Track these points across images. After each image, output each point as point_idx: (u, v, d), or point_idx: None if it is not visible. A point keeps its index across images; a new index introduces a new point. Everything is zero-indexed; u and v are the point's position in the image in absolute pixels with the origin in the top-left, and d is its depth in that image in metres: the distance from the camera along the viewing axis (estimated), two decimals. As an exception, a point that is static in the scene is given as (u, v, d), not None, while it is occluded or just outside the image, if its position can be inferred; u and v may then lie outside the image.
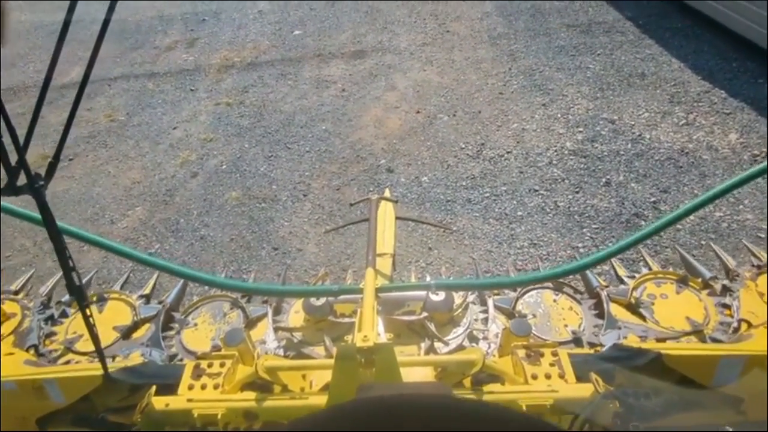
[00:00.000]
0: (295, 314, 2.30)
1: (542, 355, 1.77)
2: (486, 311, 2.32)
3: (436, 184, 4.28)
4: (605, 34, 6.13)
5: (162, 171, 4.84)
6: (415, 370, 1.64)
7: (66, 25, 1.06)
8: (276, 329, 2.30)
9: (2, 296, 2.45)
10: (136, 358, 2.17)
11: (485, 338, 2.26)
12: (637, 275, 2.17)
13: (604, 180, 4.08)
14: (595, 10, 6.71)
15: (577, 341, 2.13)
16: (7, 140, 1.15)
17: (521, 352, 1.79)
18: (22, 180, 1.20)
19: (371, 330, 1.54)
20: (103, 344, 2.25)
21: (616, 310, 2.07)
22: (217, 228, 4.08)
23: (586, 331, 2.19)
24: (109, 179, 4.79)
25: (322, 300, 2.19)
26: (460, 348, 2.15)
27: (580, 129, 4.68)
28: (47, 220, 1.31)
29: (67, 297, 2.54)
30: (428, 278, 2.81)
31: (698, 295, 2.01)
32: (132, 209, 4.37)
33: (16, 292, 2.56)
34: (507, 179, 4.23)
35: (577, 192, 4.01)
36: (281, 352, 2.24)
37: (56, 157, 1.31)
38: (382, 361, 1.48)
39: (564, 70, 5.56)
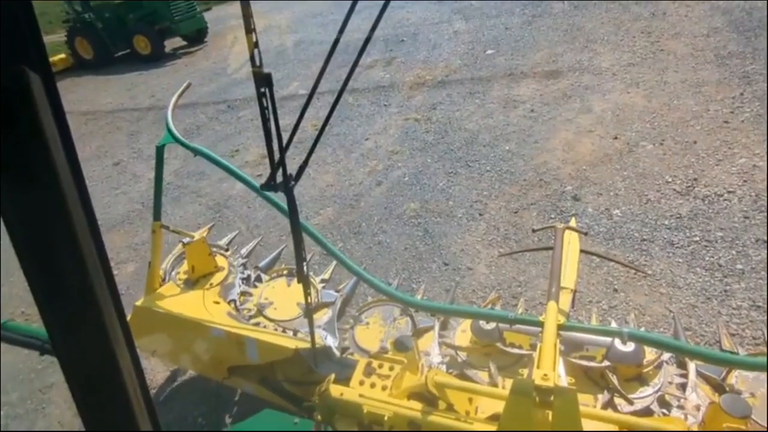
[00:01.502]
0: (461, 333, 2.27)
1: (766, 449, 1.42)
2: (685, 376, 1.96)
3: (631, 219, 3.81)
4: None
5: (352, 177, 5.31)
6: (596, 424, 1.46)
7: (335, 42, 1.31)
8: (442, 344, 2.30)
9: (214, 250, 2.85)
10: (317, 339, 2.40)
11: (681, 407, 1.92)
12: None
13: None
14: None
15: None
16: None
17: None
18: (279, 178, 1.52)
19: (552, 369, 1.42)
20: (288, 316, 2.58)
21: None
22: (394, 236, 4.29)
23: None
24: (308, 180, 5.45)
25: (492, 325, 2.12)
26: (649, 412, 1.86)
27: (842, 171, 3.68)
28: (293, 215, 1.59)
29: (262, 263, 2.98)
30: (613, 324, 2.50)
31: None
32: (324, 209, 4.88)
33: (226, 249, 3.03)
34: (726, 224, 3.54)
35: (830, 250, 3.15)
36: (444, 368, 2.23)
37: (306, 161, 1.57)
38: (561, 406, 1.35)
39: (822, 96, 4.45)
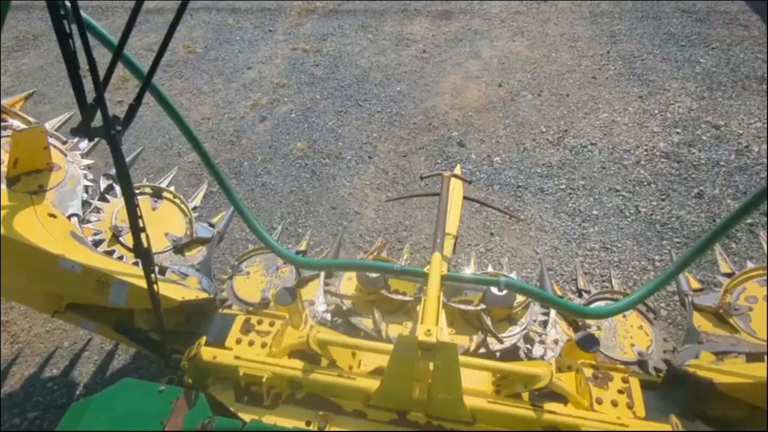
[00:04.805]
0: (347, 281, 2.22)
1: (611, 379, 1.60)
2: (546, 314, 2.15)
3: (509, 166, 4.02)
4: (725, 25, 5.45)
5: (232, 110, 4.84)
6: (471, 372, 1.52)
7: None
8: (327, 293, 2.24)
9: (51, 142, 2.11)
10: (192, 283, 2.14)
11: (542, 342, 2.11)
12: (737, 272, 1.87)
13: (696, 191, 3.69)
14: (718, -4, 5.97)
15: (642, 364, 1.94)
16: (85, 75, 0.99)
17: (588, 372, 1.63)
18: (98, 121, 1.05)
19: (435, 324, 1.42)
20: (153, 248, 2.14)
21: (702, 320, 1.84)
22: (279, 177, 4.05)
23: (654, 355, 1.98)
24: (181, 111, 4.85)
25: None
26: (515, 349, 2.01)
27: (678, 130, 4.22)
28: (120, 170, 1.20)
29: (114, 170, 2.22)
30: (489, 267, 2.65)
31: None
32: (200, 144, 4.42)
33: (65, 141, 2.26)
34: (587, 173, 3.91)
35: (663, 199, 3.65)
36: (329, 316, 2.18)
37: (138, 100, 1.18)
38: (442, 358, 1.37)
39: (670, 61, 5.00)
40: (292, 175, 4.06)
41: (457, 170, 2.75)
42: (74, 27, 0.92)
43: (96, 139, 1.43)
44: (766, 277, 1.78)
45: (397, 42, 5.70)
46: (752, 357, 1.58)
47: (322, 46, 5.71)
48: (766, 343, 1.63)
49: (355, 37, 5.84)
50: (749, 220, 3.41)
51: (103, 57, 1.16)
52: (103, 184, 2.27)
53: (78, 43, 0.92)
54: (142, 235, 1.33)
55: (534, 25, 5.78)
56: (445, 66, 5.25)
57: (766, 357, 1.56)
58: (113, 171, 2.27)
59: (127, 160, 2.50)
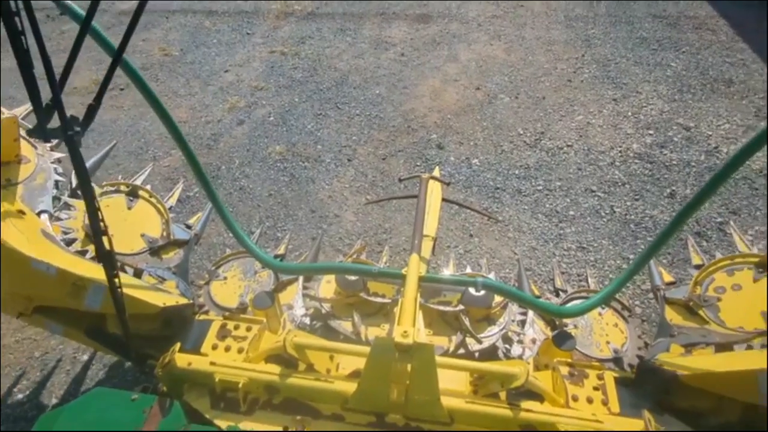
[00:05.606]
0: (326, 284, 2.20)
1: (587, 376, 1.62)
2: (525, 313, 2.18)
3: (487, 168, 4.06)
4: (694, 30, 5.61)
5: (209, 114, 4.78)
6: (449, 373, 1.52)
7: None
8: (305, 297, 2.23)
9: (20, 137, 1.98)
10: (170, 287, 2.08)
11: (520, 342, 2.13)
12: (706, 263, 1.86)
13: (668, 191, 3.78)
14: (688, 2, 6.14)
15: (617, 361, 1.97)
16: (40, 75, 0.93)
17: (564, 370, 1.65)
18: (56, 122, 1.01)
19: (411, 325, 1.42)
20: (129, 249, 2.05)
21: (673, 314, 1.85)
22: (258, 181, 4.01)
23: (629, 352, 2.02)
24: (153, 114, 4.77)
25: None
26: (494, 349, 2.03)
27: (651, 132, 4.33)
28: (80, 173, 1.16)
29: (89, 163, 2.16)
30: (468, 269, 2.67)
31: None
32: (176, 148, 4.34)
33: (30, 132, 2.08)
34: (563, 174, 3.97)
35: (637, 199, 3.73)
36: (307, 320, 2.16)
37: (97, 99, 1.14)
38: (419, 359, 1.37)
39: (642, 64, 5.13)
40: (270, 179, 4.03)
41: (436, 172, 2.76)
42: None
43: None
44: (732, 267, 1.80)
45: (375, 45, 5.71)
46: (721, 347, 1.62)
47: (301, 49, 5.69)
48: (734, 333, 1.66)
49: (334, 40, 5.84)
50: (719, 219, 3.51)
51: (59, 58, 1.13)
52: (75, 179, 2.15)
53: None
54: (104, 238, 1.28)
55: (511, 28, 5.86)
56: (424, 69, 5.28)
57: (734, 347, 1.60)
58: (87, 164, 2.20)
59: (98, 156, 2.44)
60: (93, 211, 1.20)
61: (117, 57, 1.08)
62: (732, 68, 4.99)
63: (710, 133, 4.27)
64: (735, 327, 1.67)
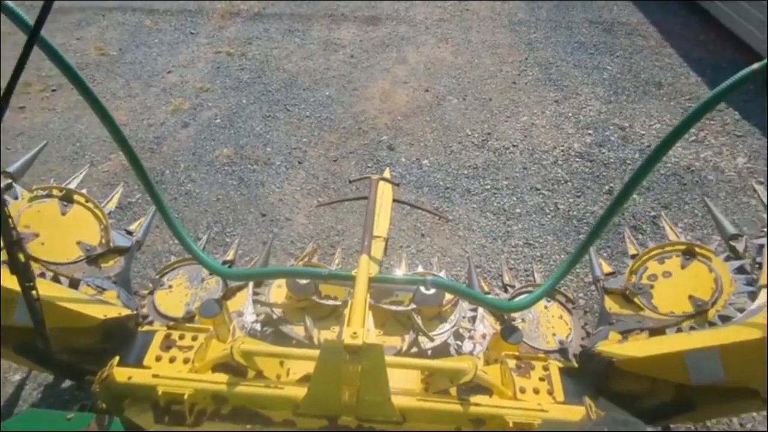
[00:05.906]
0: (277, 288, 2.16)
1: (533, 368, 1.68)
2: (475, 309, 2.23)
3: (437, 169, 4.13)
4: (627, 36, 5.95)
5: (152, 116, 4.58)
6: (401, 372, 1.54)
7: None
8: (255, 302, 2.18)
9: None
10: (111, 297, 1.96)
11: (471, 338, 2.17)
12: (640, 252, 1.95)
13: (607, 187, 3.98)
14: (621, 9, 6.50)
15: (563, 352, 2.05)
16: None
17: (511, 363, 1.70)
18: None
19: (361, 326, 1.42)
20: (64, 258, 1.91)
21: (612, 303, 1.92)
22: (205, 185, 3.89)
23: (574, 342, 2.11)
24: (93, 117, 4.49)
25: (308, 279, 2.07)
26: (446, 346, 2.06)
27: (590, 132, 4.54)
28: None
29: (12, 166, 2.06)
30: (420, 268, 2.70)
31: (708, 264, 1.76)
32: (115, 152, 4.13)
33: None
34: (510, 173, 4.10)
35: (579, 196, 3.91)
36: (258, 326, 2.11)
37: (5, 97, 0.96)
38: (369, 360, 1.37)
39: (581, 67, 5.38)
40: (218, 183, 3.91)
41: (387, 173, 2.78)
42: None
43: None
44: (662, 255, 1.91)
45: (324, 46, 5.68)
46: (654, 331, 1.71)
47: (248, 50, 5.57)
48: (666, 318, 1.76)
49: (282, 41, 5.75)
50: (652, 213, 3.74)
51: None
52: (2, 182, 1.99)
53: None
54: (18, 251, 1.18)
55: (457, 32, 5.99)
56: (373, 71, 5.30)
57: (666, 330, 1.69)
58: (12, 167, 2.05)
59: (26, 158, 2.27)
60: (4, 217, 1.11)
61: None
62: (661, 71, 5.33)
63: (643, 132, 4.54)
64: (667, 312, 1.76)
